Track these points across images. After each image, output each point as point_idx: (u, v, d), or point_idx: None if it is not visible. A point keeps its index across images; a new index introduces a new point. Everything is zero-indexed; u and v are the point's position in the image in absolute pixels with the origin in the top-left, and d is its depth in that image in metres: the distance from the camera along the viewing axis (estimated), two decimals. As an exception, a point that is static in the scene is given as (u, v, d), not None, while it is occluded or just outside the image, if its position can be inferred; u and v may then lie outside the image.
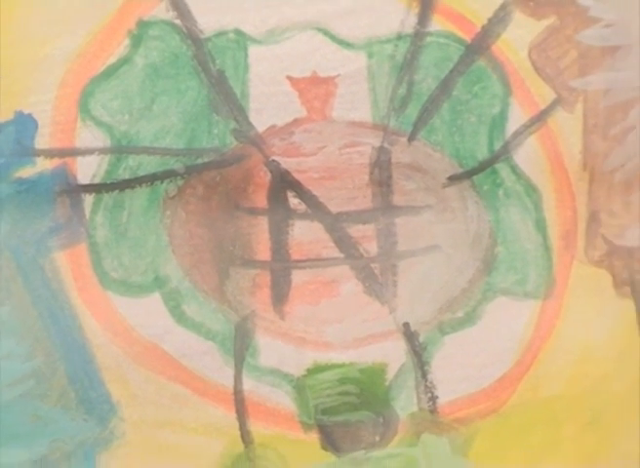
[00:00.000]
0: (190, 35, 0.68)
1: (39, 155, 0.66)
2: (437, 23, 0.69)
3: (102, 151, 0.66)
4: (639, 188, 0.75)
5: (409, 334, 0.68)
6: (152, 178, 0.66)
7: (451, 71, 0.69)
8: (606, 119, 0.72)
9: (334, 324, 0.68)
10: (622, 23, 0.74)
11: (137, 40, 0.68)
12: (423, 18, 0.69)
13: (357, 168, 0.68)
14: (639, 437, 0.72)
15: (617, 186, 0.71)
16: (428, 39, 0.70)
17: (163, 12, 0.67)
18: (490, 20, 0.70)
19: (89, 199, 0.66)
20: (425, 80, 0.69)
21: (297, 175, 0.68)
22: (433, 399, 0.67)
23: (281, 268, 0.68)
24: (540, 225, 0.70)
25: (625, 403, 0.71)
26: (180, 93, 0.67)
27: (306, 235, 0.68)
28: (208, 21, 0.68)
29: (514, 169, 0.69)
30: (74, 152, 0.66)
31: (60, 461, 0.66)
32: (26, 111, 0.67)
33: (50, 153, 0.66)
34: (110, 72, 0.67)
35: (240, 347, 0.67)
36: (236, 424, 0.66)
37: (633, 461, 0.73)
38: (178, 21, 0.67)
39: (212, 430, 0.66)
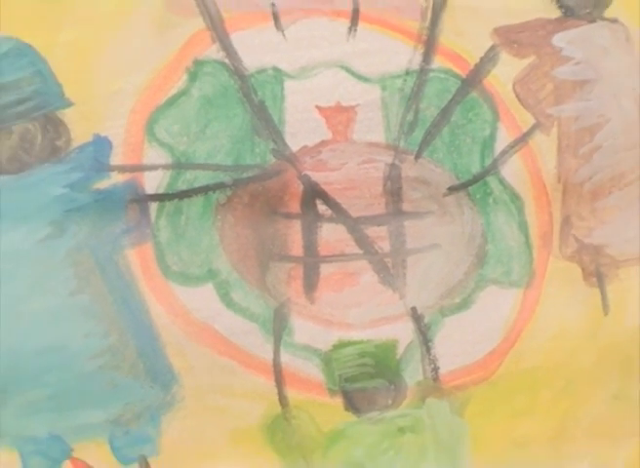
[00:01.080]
0: (237, 72, 0.74)
1: (113, 170, 0.72)
2: (438, 62, 0.75)
3: (165, 167, 0.72)
4: (603, 197, 0.78)
5: (416, 317, 0.74)
6: (206, 189, 0.73)
7: (450, 101, 0.76)
8: (576, 140, 0.78)
9: (354, 308, 0.74)
10: (590, 61, 0.79)
11: (193, 76, 0.74)
12: (427, 57, 0.76)
13: (373, 180, 0.74)
14: (604, 401, 0.77)
15: (585, 195, 0.77)
16: (431, 74, 0.76)
17: (214, 53, 0.73)
18: (481, 59, 0.76)
19: (154, 206, 0.72)
20: (429, 108, 0.76)
21: (324, 187, 0.74)
22: (436, 369, 0.74)
23: (311, 262, 0.74)
24: (523, 227, 0.76)
25: (593, 372, 0.77)
26: (229, 119, 0.74)
27: (332, 235, 0.74)
28: (251, 61, 0.74)
29: (501, 181, 0.75)
30: (142, 168, 0.72)
31: (131, 421, 0.72)
32: (103, 134, 0.72)
33: (122, 168, 0.72)
34: (171, 102, 0.73)
35: (278, 327, 0.74)
36: (275, 390, 0.72)
37: (600, 421, 0.77)
38: (226, 61, 0.74)
39: (255, 395, 0.73)
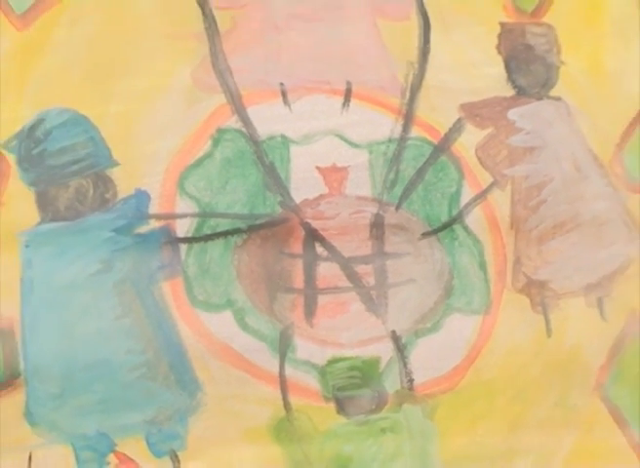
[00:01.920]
0: (251, 138, 0.82)
1: (151, 218, 0.80)
2: (415, 131, 0.83)
3: (193, 215, 0.80)
4: (547, 241, 0.85)
5: (395, 338, 0.81)
6: (225, 234, 0.80)
7: (424, 163, 0.84)
8: (526, 195, 0.85)
9: (345, 331, 0.81)
10: (537, 132, 0.86)
11: (216, 142, 0.81)
12: (406, 127, 0.83)
13: (361, 227, 0.81)
14: (547, 407, 0.83)
15: (533, 240, 0.84)
16: (409, 142, 0.83)
17: (234, 123, 0.81)
18: (450, 130, 0.84)
19: (183, 247, 0.79)
20: (407, 169, 0.83)
21: (321, 232, 0.81)
22: (411, 381, 0.81)
23: (310, 294, 0.81)
24: (482, 266, 0.84)
25: (538, 383, 0.83)
26: (245, 177, 0.81)
27: (328, 271, 0.81)
28: (263, 129, 0.82)
29: (465, 228, 0.83)
30: (174, 216, 0.80)
31: (163, 421, 0.79)
32: (143, 188, 0.80)
33: (158, 216, 0.80)
34: (198, 163, 0.81)
35: (283, 346, 0.80)
36: (280, 397, 0.79)
37: (544, 423, 0.84)
38: (243, 129, 0.81)
39: (263, 401, 0.79)
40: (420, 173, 0.83)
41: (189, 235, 0.80)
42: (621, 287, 0.86)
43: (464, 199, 0.84)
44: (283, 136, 0.82)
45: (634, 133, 0.88)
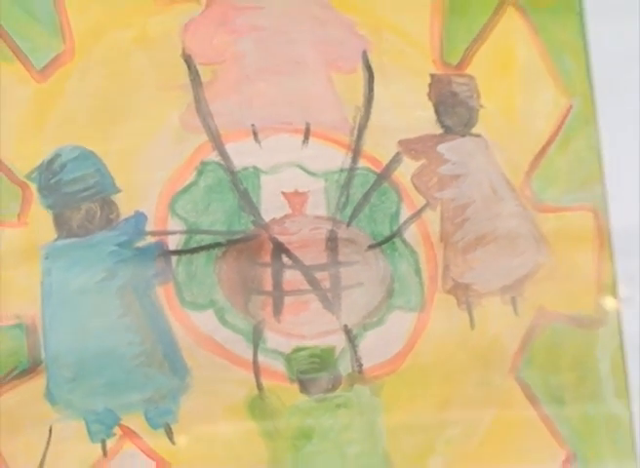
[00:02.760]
0: (229, 169, 0.87)
1: (147, 234, 0.85)
2: (362, 163, 0.90)
3: (181, 232, 0.85)
4: (471, 252, 0.90)
5: (347, 331, 0.87)
6: (208, 247, 0.86)
7: (369, 189, 0.89)
8: (453, 214, 0.91)
9: (306, 325, 0.86)
10: (461, 162, 0.92)
11: (200, 172, 0.86)
12: (354, 160, 0.89)
13: (319, 241, 0.87)
14: (472, 386, 0.88)
15: (459, 250, 0.90)
16: (357, 171, 0.89)
17: (214, 157, 0.87)
18: (390, 161, 0.90)
19: (174, 258, 0.85)
20: (356, 194, 0.89)
21: (287, 245, 0.87)
22: (360, 365, 0.87)
23: (278, 295, 0.86)
24: (418, 272, 0.90)
25: (464, 367, 0.88)
26: (224, 201, 0.87)
27: (292, 277, 0.87)
28: (238, 162, 0.87)
29: (404, 241, 0.89)
30: (166, 233, 0.85)
31: (159, 400, 0.84)
32: (140, 210, 0.85)
33: (153, 233, 0.85)
34: (186, 190, 0.86)
35: (256, 338, 0.85)
36: (254, 379, 0.85)
37: (467, 400, 0.89)
38: (222, 162, 0.87)
39: (240, 383, 0.84)
40: (367, 196, 0.89)
41: (179, 248, 0.86)
42: (531, 288, 0.92)
43: (402, 217, 0.90)
44: (255, 168, 0.88)
45: (540, 163, 0.93)
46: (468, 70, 0.93)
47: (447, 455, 0.88)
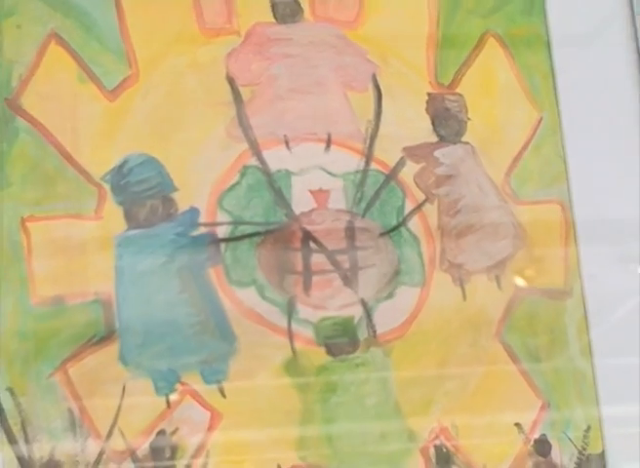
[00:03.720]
0: (265, 172, 0.90)
1: (200, 226, 0.88)
2: (373, 166, 0.93)
3: (228, 223, 0.88)
4: (463, 237, 0.93)
5: (363, 303, 0.90)
6: (250, 236, 0.88)
7: (379, 187, 0.92)
8: (448, 207, 0.94)
9: (330, 299, 0.89)
10: (454, 165, 0.95)
11: (242, 174, 0.89)
12: (367, 163, 0.93)
13: (339, 230, 0.91)
14: (465, 347, 0.91)
15: (453, 237, 0.94)
16: (369, 173, 0.93)
17: (254, 162, 0.90)
18: (396, 164, 0.93)
19: (222, 245, 0.88)
20: (368, 191, 0.92)
21: (313, 234, 0.90)
22: (374, 331, 0.90)
23: (307, 275, 0.89)
24: (419, 255, 0.92)
25: (458, 332, 0.91)
26: (262, 198, 0.90)
27: (318, 260, 0.90)
28: (274, 166, 0.90)
29: (408, 230, 0.92)
30: (216, 224, 0.88)
31: (212, 361, 0.86)
32: (195, 206, 0.88)
33: (205, 224, 0.88)
34: (231, 189, 0.89)
35: (290, 310, 0.88)
36: (288, 344, 0.87)
37: (462, 358, 0.91)
38: (260, 166, 0.90)
39: (277, 347, 0.87)
40: (377, 193, 0.92)
41: (226, 237, 0.88)
42: (511, 267, 0.94)
43: (406, 210, 0.93)
44: (286, 170, 0.91)
45: (516, 165, 0.96)
46: (458, 89, 0.96)
47: (445, 404, 0.90)
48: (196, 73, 0.90)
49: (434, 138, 0.95)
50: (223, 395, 0.85)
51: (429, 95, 0.95)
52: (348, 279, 0.90)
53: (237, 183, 0.88)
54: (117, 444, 0.83)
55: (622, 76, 0.99)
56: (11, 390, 0.82)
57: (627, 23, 0.98)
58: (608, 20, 0.99)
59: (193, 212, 0.88)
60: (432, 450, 0.88)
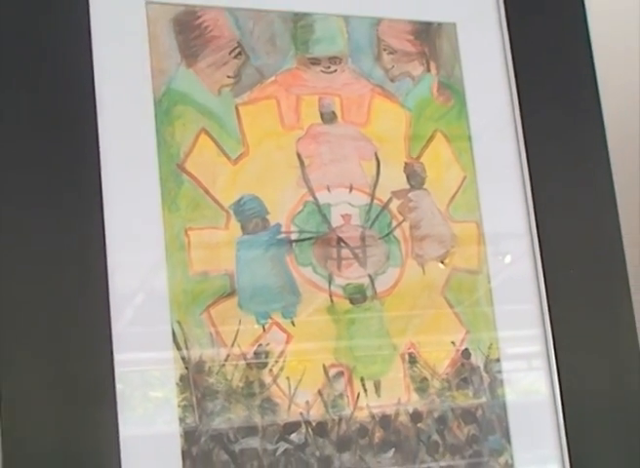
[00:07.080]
0: (317, 204, 1.05)
1: (282, 233, 1.04)
2: (375, 201, 1.10)
3: (296, 232, 1.03)
4: (423, 241, 1.08)
5: (370, 276, 1.07)
6: (308, 239, 1.06)
7: (378, 213, 1.08)
8: (415, 224, 1.09)
9: (351, 273, 1.07)
10: (418, 201, 1.12)
11: (305, 205, 1.04)
12: (371, 200, 1.09)
13: (357, 236, 1.08)
14: (425, 300, 1.07)
15: (417, 240, 1.09)
16: (373, 205, 1.09)
17: (311, 199, 1.04)
18: (387, 200, 1.10)
19: (294, 244, 1.06)
20: (372, 215, 1.09)
21: (343, 238, 1.08)
22: (375, 291, 1.07)
23: (339, 260, 1.06)
24: (400, 250, 1.09)
25: (421, 292, 1.09)
26: (315, 219, 1.05)
27: (345, 252, 1.07)
28: (321, 201, 1.06)
29: (394, 236, 1.10)
30: (290, 233, 1.04)
31: (288, 306, 1.01)
32: (279, 222, 1.02)
33: (284, 233, 1.04)
34: (298, 213, 1.03)
35: (330, 279, 1.04)
36: (329, 298, 1.04)
37: (423, 307, 1.07)
38: (314, 202, 1.04)
39: (322, 300, 1.04)
40: (377, 216, 1.10)
41: (296, 239, 1.06)
42: (449, 257, 1.14)
43: (393, 225, 1.12)
44: (328, 204, 1.08)
45: (452, 202, 1.15)
46: (421, 160, 1.16)
47: (413, 330, 1.08)
48: (280, 151, 1.07)
49: (408, 186, 1.14)
50: (294, 324, 1.02)
51: (406, 163, 1.14)
52: (362, 263, 1.08)
53: (301, 211, 1.06)
54: (236, 351, 0.97)
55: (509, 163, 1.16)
56: (179, 322, 0.95)
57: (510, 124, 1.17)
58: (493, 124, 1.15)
59: (278, 226, 1.05)
60: (406, 356, 1.06)
